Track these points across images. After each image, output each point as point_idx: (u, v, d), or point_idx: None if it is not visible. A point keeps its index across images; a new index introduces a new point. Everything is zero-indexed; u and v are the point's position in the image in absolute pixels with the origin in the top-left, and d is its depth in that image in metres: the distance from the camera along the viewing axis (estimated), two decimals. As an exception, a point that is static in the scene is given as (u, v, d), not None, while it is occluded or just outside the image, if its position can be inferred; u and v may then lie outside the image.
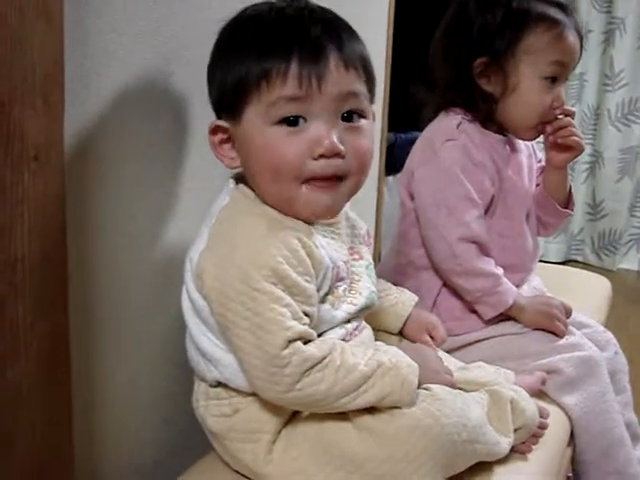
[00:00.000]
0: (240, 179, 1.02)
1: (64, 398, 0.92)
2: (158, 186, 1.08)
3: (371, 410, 0.95)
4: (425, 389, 0.99)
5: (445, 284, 1.39)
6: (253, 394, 0.97)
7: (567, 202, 1.51)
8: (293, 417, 0.98)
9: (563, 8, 1.38)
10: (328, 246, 1.00)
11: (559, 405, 1.29)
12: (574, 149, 1.41)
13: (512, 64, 1.35)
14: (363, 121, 0.98)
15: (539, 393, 1.29)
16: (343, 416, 0.95)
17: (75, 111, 0.91)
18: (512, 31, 1.34)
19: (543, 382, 1.26)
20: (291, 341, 0.89)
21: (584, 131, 3.71)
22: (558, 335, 1.34)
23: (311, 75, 0.91)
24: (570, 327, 1.37)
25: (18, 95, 0.80)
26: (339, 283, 1.01)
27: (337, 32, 0.96)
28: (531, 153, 1.51)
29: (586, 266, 3.76)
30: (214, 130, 0.98)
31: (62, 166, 0.87)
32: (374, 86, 1.02)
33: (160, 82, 1.05)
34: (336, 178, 0.96)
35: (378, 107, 1.86)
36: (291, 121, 0.92)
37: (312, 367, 0.90)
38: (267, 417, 0.97)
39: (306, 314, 0.92)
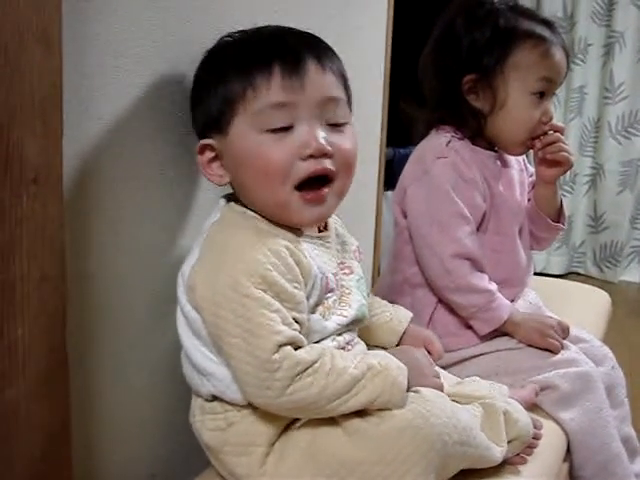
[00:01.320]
0: (230, 198, 1.06)
1: (62, 416, 0.93)
2: (158, 206, 1.09)
3: (361, 413, 0.96)
4: (414, 391, 1.00)
5: (440, 301, 1.40)
6: (247, 407, 0.98)
7: (558, 216, 1.52)
8: (285, 429, 0.99)
9: (549, 25, 1.41)
10: (317, 257, 1.03)
11: (555, 420, 1.30)
12: (563, 164, 1.43)
13: (500, 80, 1.37)
14: (347, 125, 1.03)
15: (535, 408, 1.30)
16: (333, 422, 0.97)
17: (74, 133, 0.92)
18: (500, 48, 1.37)
19: (536, 393, 1.27)
20: (281, 345, 0.90)
21: (585, 144, 3.74)
22: (553, 352, 1.35)
23: (293, 79, 0.96)
24: (566, 342, 1.38)
25: (17, 118, 0.81)
26: (329, 294, 1.04)
27: (315, 44, 1.03)
28: (522, 168, 1.53)
29: (587, 278, 3.77)
30: (202, 149, 1.02)
31: (61, 188, 0.88)
32: (351, 100, 1.06)
33: (159, 104, 1.06)
34: (325, 181, 1.00)
35: (377, 121, 1.87)
36: (284, 127, 0.97)
37: (303, 371, 0.91)
38: (260, 430, 0.98)
39: (296, 320, 0.94)
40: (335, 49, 1.04)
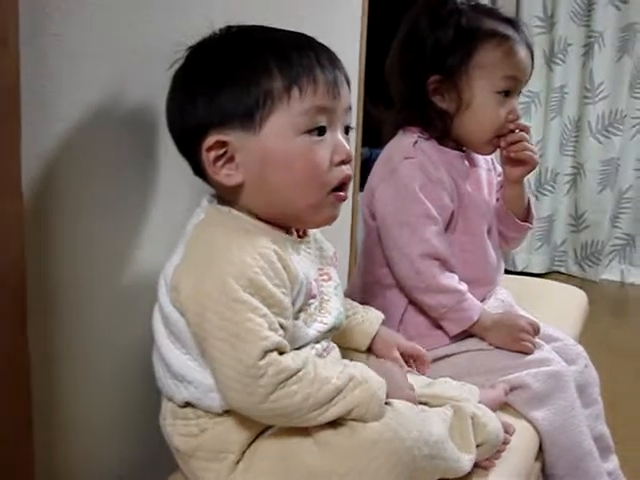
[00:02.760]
0: (213, 198, 1.03)
1: (24, 417, 0.92)
2: (118, 206, 1.08)
3: (333, 425, 0.95)
4: (387, 404, 0.99)
5: (411, 301, 1.39)
6: (220, 415, 0.97)
7: (527, 216, 1.51)
8: (256, 437, 0.98)
9: (513, 24, 1.41)
10: (302, 262, 1.02)
11: (527, 420, 1.30)
12: (527, 163, 1.42)
13: (465, 80, 1.37)
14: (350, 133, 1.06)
15: (507, 407, 1.30)
16: (304, 432, 0.95)
17: (34, 134, 0.91)
18: (463, 48, 1.36)
19: (506, 392, 1.27)
20: (267, 351, 0.89)
21: (565, 143, 3.75)
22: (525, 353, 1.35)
23: (334, 86, 0.98)
24: (538, 341, 1.37)
25: (-27, 120, 0.81)
26: (311, 300, 1.03)
27: (331, 50, 1.03)
28: (490, 167, 1.53)
29: (569, 277, 3.79)
30: (212, 146, 0.97)
31: (20, 189, 0.87)
32: None
33: (120, 104, 1.05)
34: (346, 185, 1.03)
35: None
36: (320, 130, 0.98)
37: (287, 379, 0.90)
38: (233, 438, 0.97)
39: (281, 326, 0.93)
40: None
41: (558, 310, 1.83)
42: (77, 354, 1.04)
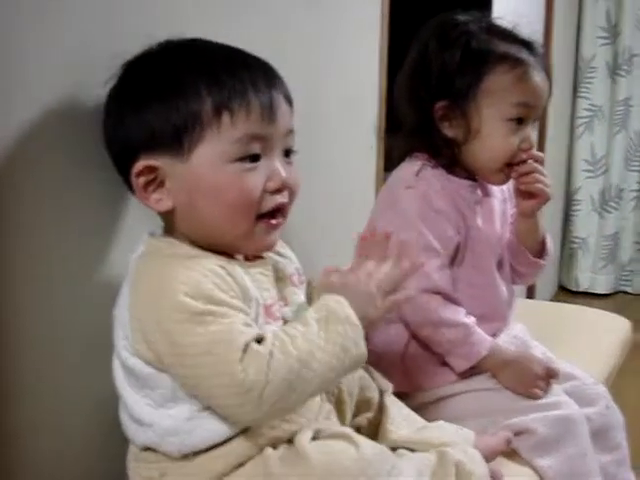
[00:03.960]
0: (155, 232, 1.01)
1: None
2: (73, 216, 1.03)
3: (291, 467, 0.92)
4: (355, 443, 0.94)
5: (414, 337, 1.33)
6: (180, 459, 0.94)
7: (541, 251, 1.42)
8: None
9: (528, 46, 1.32)
10: (257, 282, 0.98)
11: (533, 467, 1.22)
12: (539, 197, 1.33)
13: (473, 107, 1.29)
14: (292, 156, 1.01)
15: (512, 453, 1.22)
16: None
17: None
18: (471, 72, 1.28)
19: (508, 442, 1.19)
20: (247, 345, 0.86)
21: (631, 158, 3.61)
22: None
23: (270, 111, 0.94)
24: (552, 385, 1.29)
25: None
26: (271, 320, 0.98)
27: (274, 71, 1.00)
28: (506, 198, 1.44)
29: (635, 298, 3.66)
30: (141, 172, 0.94)
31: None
32: None
33: (75, 114, 1.01)
34: (282, 212, 0.99)
35: (373, 146, 1.82)
36: (253, 157, 0.94)
37: (270, 356, 0.87)
38: None
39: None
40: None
41: (591, 342, 1.74)
42: (35, 395, 1.00)
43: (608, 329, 1.85)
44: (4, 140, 0.91)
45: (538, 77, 1.30)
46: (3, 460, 0.98)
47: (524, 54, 1.30)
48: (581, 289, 3.72)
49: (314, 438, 0.95)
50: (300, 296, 1.07)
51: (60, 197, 1.00)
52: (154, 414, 0.94)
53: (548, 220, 3.47)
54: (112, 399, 1.00)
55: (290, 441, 0.95)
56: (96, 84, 1.00)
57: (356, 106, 1.76)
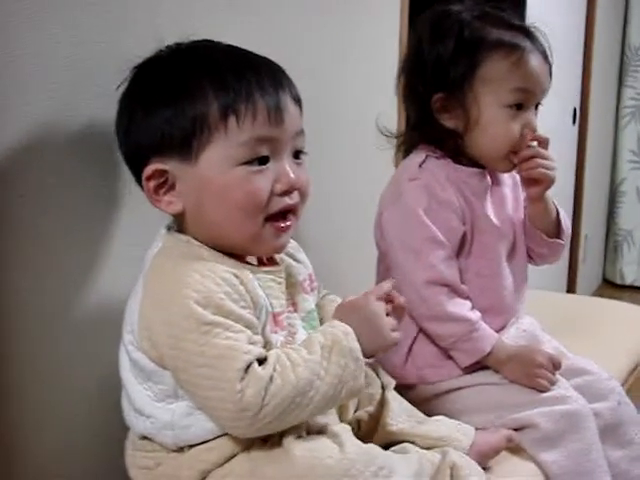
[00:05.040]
0: (172, 226, 1.02)
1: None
2: (79, 233, 1.07)
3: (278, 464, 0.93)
4: (339, 443, 0.94)
5: (421, 330, 1.31)
6: (175, 451, 0.96)
7: (557, 231, 1.39)
8: (208, 474, 0.95)
9: (524, 31, 1.29)
10: (268, 289, 0.99)
11: (537, 462, 1.21)
12: (542, 182, 1.31)
13: (470, 96, 1.27)
14: (303, 157, 1.01)
15: (516, 448, 1.21)
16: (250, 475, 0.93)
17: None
18: (466, 62, 1.26)
19: (509, 440, 1.18)
20: (250, 365, 0.87)
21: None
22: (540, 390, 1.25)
23: (277, 113, 0.94)
24: (558, 377, 1.27)
25: None
26: (280, 332, 0.99)
27: (283, 72, 1.00)
28: (516, 182, 1.41)
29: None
30: (151, 175, 0.96)
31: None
32: None
33: (78, 122, 1.04)
34: (292, 213, 0.99)
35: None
36: (262, 160, 0.95)
37: (270, 379, 0.88)
38: (186, 474, 0.95)
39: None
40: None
41: (618, 337, 1.71)
42: (27, 386, 1.03)
43: (633, 323, 1.82)
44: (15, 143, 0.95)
45: (535, 61, 1.27)
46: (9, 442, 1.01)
47: (519, 39, 1.27)
48: (627, 282, 3.64)
49: (299, 436, 0.95)
50: (310, 303, 1.09)
51: (64, 200, 1.04)
52: (154, 407, 0.96)
53: (592, 212, 3.44)
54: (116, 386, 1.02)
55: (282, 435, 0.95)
56: (104, 88, 1.03)
57: (374, 103, 1.75)
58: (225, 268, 0.93)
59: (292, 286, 1.07)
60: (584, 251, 3.43)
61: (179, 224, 1.01)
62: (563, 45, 3.14)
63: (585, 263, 3.47)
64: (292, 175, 0.96)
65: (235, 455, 0.95)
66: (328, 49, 1.61)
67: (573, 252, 3.35)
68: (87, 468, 1.12)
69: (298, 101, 1.00)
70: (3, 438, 1.00)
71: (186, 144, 0.93)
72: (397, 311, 1.02)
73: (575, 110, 3.27)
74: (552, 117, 2.98)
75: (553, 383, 1.26)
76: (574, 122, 3.25)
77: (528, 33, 1.29)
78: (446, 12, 1.31)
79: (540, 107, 1.33)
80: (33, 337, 1.02)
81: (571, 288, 3.33)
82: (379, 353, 1.02)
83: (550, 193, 1.34)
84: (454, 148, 1.31)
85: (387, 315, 1.00)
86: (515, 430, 1.22)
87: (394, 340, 1.00)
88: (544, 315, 1.48)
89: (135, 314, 0.94)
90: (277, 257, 1.06)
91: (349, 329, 0.95)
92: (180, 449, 0.96)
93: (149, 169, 0.95)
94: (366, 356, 0.96)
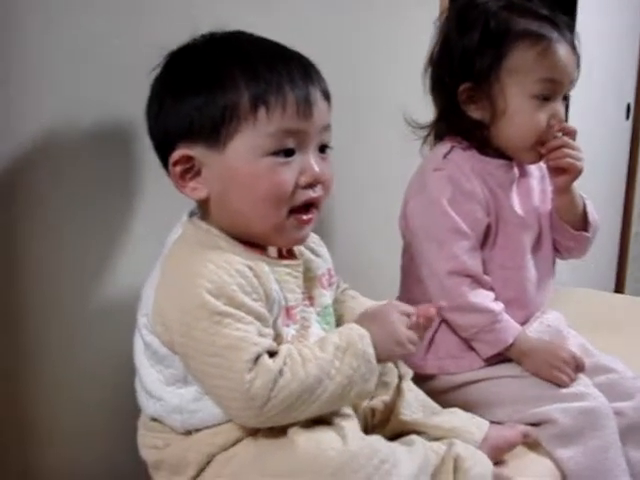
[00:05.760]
0: (194, 213, 1.03)
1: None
2: (98, 220, 1.10)
3: (283, 451, 0.93)
4: (343, 435, 0.94)
5: (444, 320, 1.31)
6: (183, 433, 0.98)
7: (584, 224, 1.37)
8: (214, 457, 0.97)
9: (551, 21, 1.27)
10: (283, 282, 1.00)
11: (553, 459, 1.19)
12: (570, 172, 1.29)
13: (497, 87, 1.26)
14: (328, 151, 1.02)
15: (533, 444, 1.20)
16: (255, 459, 0.94)
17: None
18: (492, 52, 1.25)
19: (525, 436, 1.17)
20: (258, 356, 0.89)
21: None
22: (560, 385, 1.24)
23: (306, 106, 0.95)
24: (579, 375, 1.26)
25: None
26: (293, 325, 1.01)
27: (313, 66, 1.00)
28: (544, 174, 1.39)
29: None
30: (178, 161, 0.97)
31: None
32: None
33: (100, 113, 1.06)
34: (315, 207, 1.00)
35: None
36: (288, 152, 0.96)
37: (279, 373, 0.89)
38: (193, 456, 0.97)
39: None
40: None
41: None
42: (41, 371, 1.06)
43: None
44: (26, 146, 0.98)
45: (562, 51, 1.26)
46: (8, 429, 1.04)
47: (546, 29, 1.26)
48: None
49: (305, 426, 0.95)
50: (327, 298, 1.09)
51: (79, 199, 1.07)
52: (164, 390, 0.98)
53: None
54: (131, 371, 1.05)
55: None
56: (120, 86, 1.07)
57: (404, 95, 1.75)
58: (240, 260, 0.94)
59: (310, 280, 1.07)
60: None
61: (203, 211, 1.02)
62: (617, 41, 3.09)
63: (636, 261, 3.39)
64: (317, 168, 0.97)
65: (241, 440, 0.96)
66: (362, 44, 1.62)
67: (622, 250, 3.28)
68: (101, 449, 1.16)
69: (327, 96, 1.00)
70: (21, 420, 1.04)
71: (215, 132, 0.94)
72: (420, 327, 1.02)
73: (629, 105, 3.24)
74: (605, 112, 2.95)
75: (573, 381, 1.24)
76: (627, 117, 3.21)
77: (555, 23, 1.27)
78: (472, 3, 1.29)
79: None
80: (51, 325, 1.06)
81: (619, 288, 3.27)
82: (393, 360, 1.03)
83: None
84: (481, 139, 1.30)
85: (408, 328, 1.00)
86: (533, 425, 1.21)
87: (410, 352, 1.00)
88: (583, 313, 1.47)
89: (150, 299, 0.96)
90: (296, 251, 1.07)
91: (365, 333, 0.96)
92: (188, 432, 0.98)
93: (176, 154, 0.96)
94: (379, 362, 0.96)
